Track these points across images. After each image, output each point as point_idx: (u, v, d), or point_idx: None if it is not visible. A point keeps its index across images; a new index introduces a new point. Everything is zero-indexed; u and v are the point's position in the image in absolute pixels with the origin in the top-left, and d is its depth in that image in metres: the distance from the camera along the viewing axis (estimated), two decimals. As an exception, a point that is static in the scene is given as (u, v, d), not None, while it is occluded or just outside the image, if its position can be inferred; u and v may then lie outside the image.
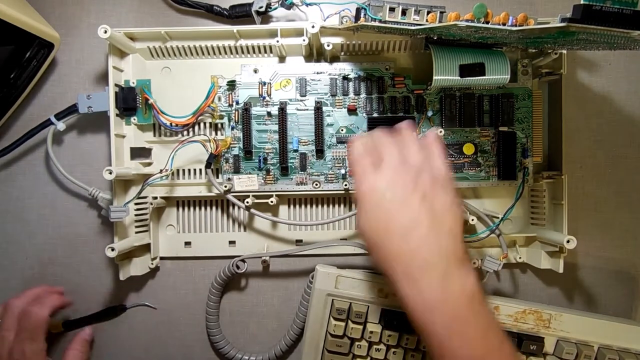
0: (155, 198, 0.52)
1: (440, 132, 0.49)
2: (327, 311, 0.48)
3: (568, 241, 0.47)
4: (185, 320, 0.55)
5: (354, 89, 0.51)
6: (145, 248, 0.53)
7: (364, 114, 0.51)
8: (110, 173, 0.46)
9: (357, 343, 0.48)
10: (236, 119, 0.51)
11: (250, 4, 0.51)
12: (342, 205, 0.54)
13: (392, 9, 0.42)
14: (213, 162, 0.50)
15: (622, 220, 0.54)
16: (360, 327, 0.48)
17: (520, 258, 0.52)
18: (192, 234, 0.54)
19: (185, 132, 0.52)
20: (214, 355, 0.55)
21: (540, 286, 0.55)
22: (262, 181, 0.51)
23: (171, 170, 0.49)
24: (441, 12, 0.42)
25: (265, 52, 0.52)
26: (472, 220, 0.49)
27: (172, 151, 0.49)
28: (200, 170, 0.53)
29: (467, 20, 0.38)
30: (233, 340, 0.54)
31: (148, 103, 0.50)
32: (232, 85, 0.51)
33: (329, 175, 0.51)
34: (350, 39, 0.49)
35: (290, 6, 0.50)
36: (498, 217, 0.50)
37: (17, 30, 0.46)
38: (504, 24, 0.38)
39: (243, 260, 0.51)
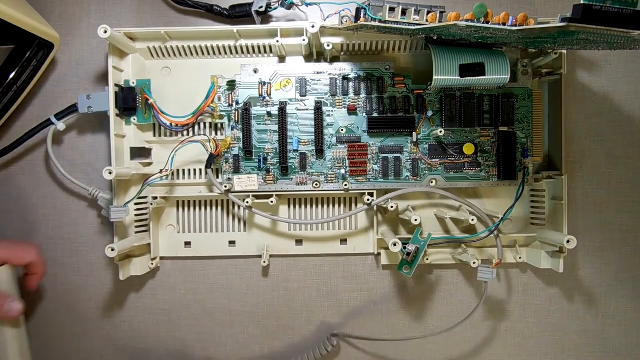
0: (155, 198, 0.52)
1: (441, 132, 0.49)
2: None
3: (568, 241, 0.47)
4: (185, 320, 0.55)
5: (354, 89, 0.51)
6: (145, 248, 0.53)
7: (364, 114, 0.51)
8: (110, 173, 0.46)
9: None
10: (236, 119, 0.51)
11: (250, 4, 0.51)
12: (342, 205, 0.54)
13: (392, 9, 0.42)
14: (213, 162, 0.50)
15: (622, 220, 0.54)
16: None
17: (520, 258, 0.52)
18: (192, 234, 0.54)
19: (185, 132, 0.52)
20: (214, 354, 0.55)
21: (540, 286, 0.55)
22: (262, 181, 0.51)
23: (171, 170, 0.49)
24: (441, 12, 0.42)
25: (265, 52, 0.52)
26: (473, 220, 0.49)
27: (172, 151, 0.49)
28: (200, 170, 0.53)
29: (467, 20, 0.38)
30: (233, 340, 0.54)
31: (148, 103, 0.50)
32: (232, 85, 0.51)
33: (329, 175, 0.51)
34: (350, 39, 0.49)
35: (290, 6, 0.50)
36: (498, 217, 0.49)
37: (17, 30, 0.46)
38: (504, 24, 0.38)
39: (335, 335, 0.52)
